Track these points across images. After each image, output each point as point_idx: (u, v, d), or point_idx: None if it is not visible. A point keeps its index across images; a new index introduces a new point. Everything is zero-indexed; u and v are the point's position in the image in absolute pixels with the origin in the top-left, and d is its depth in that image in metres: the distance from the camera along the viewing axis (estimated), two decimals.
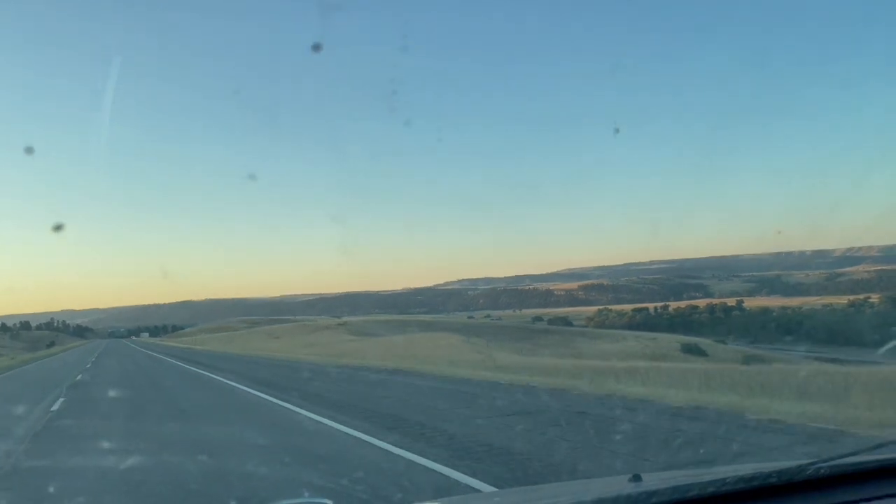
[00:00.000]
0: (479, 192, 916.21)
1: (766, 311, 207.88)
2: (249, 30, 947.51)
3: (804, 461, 1.90)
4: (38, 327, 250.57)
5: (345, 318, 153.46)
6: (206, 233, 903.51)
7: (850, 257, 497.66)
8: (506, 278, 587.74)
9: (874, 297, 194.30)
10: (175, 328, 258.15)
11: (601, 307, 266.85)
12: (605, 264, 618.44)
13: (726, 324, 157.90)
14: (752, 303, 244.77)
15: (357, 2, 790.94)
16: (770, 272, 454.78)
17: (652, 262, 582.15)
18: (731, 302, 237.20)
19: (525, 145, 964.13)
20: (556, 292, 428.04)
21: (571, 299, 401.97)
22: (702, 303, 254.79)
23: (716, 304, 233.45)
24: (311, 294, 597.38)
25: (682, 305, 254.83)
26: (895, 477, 2.01)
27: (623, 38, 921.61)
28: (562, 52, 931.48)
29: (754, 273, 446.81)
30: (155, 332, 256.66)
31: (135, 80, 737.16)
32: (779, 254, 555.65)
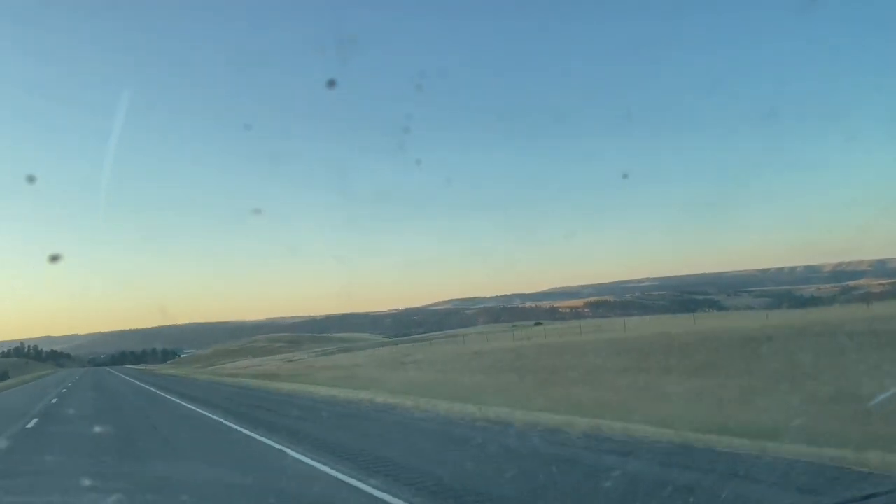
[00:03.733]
0: (470, 215, 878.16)
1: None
2: (263, 65, 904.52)
3: None
4: (6, 354, 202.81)
5: None
6: (193, 260, 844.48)
7: (842, 272, 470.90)
8: (495, 298, 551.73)
9: None
10: (166, 353, 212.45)
11: None
12: (593, 283, 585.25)
13: None
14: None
15: (374, 39, 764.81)
16: (768, 287, 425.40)
17: (642, 280, 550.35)
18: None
19: (526, 173, 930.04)
20: (560, 310, 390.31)
21: (579, 316, 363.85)
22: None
23: None
24: (299, 316, 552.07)
25: None
26: None
27: (631, 81, 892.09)
28: (570, 96, 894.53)
29: (758, 288, 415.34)
30: (141, 357, 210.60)
31: (144, 111, 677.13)
32: (768, 270, 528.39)
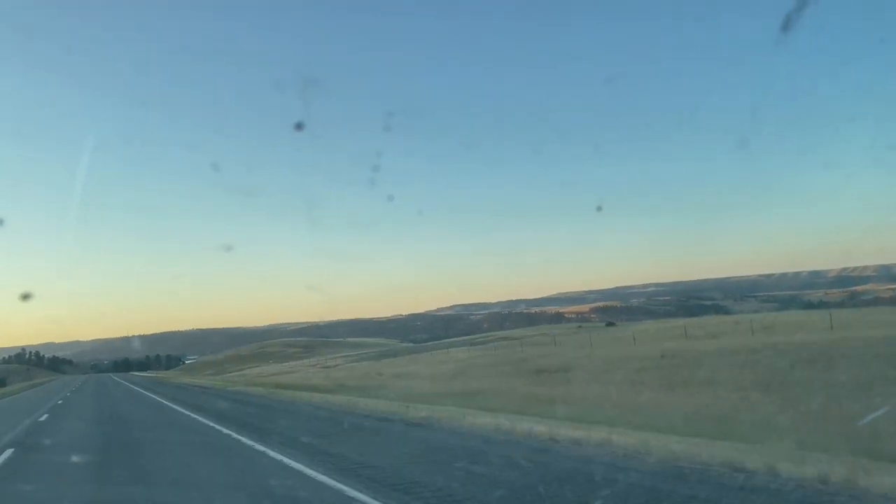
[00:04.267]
0: (472, 218, 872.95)
1: None
2: (230, 108, 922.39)
3: None
4: (7, 360, 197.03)
5: None
6: (193, 268, 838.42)
7: (847, 277, 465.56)
8: (499, 303, 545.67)
9: None
10: (170, 360, 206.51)
11: None
12: (595, 288, 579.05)
13: None
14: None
15: (340, 81, 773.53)
16: (774, 292, 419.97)
17: (645, 286, 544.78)
18: None
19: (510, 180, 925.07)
20: (566, 315, 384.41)
21: (586, 322, 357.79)
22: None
23: None
24: (301, 322, 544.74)
25: None
26: None
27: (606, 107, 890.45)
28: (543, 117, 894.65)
29: (764, 293, 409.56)
30: (145, 364, 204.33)
31: (111, 151, 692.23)
32: (772, 275, 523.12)
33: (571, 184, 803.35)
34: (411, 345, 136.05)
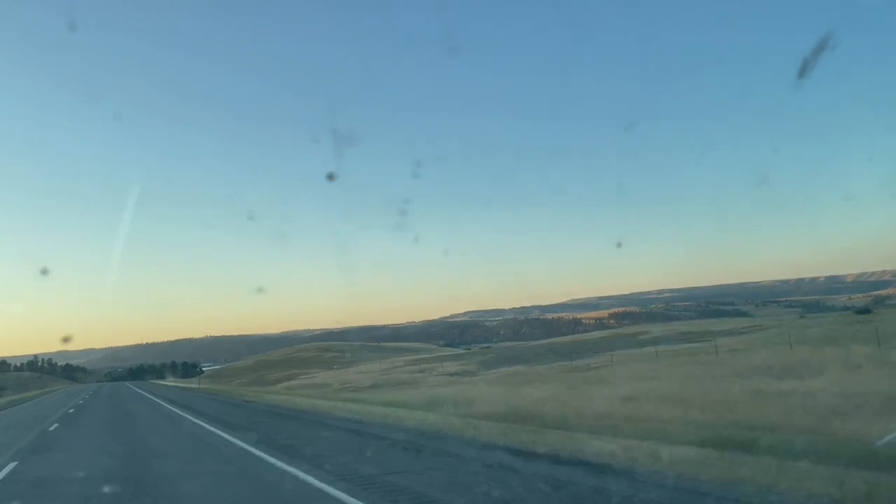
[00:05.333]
0: (488, 231, 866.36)
1: None
2: (265, 161, 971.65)
3: None
4: (19, 368, 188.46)
5: None
6: (207, 275, 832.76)
7: (865, 282, 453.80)
8: (513, 309, 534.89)
9: None
10: (187, 367, 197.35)
11: None
12: (611, 294, 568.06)
13: None
14: None
15: (371, 134, 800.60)
16: (793, 297, 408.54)
17: (661, 291, 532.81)
18: None
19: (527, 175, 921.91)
20: (584, 321, 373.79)
21: (605, 328, 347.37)
22: None
23: None
24: (317, 329, 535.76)
25: None
26: None
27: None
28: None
29: (784, 298, 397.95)
30: (160, 371, 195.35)
31: (151, 203, 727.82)
32: (788, 280, 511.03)
33: (592, 216, 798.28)
34: (450, 348, 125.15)
